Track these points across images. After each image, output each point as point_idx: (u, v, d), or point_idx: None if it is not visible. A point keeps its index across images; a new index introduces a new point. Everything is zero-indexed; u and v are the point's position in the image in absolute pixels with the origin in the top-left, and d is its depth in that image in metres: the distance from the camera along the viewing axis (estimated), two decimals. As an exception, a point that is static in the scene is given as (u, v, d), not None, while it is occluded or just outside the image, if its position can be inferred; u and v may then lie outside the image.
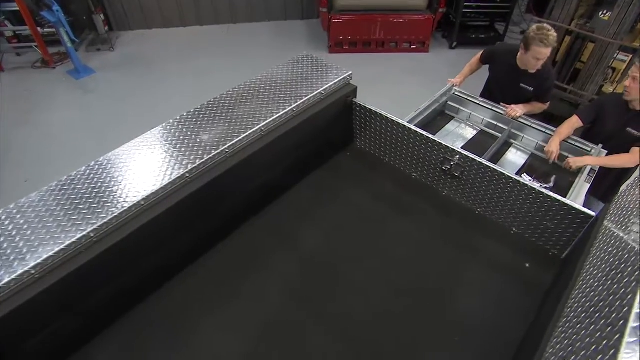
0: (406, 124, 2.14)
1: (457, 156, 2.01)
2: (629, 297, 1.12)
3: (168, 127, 1.87)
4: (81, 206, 1.53)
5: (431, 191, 2.23)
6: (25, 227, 1.45)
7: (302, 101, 2.02)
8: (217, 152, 1.77)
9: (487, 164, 1.93)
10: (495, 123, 3.01)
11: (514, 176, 1.88)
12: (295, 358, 1.59)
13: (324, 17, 5.72)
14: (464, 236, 2.03)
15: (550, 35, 2.62)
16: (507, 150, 2.94)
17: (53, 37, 5.72)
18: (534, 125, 2.89)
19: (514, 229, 2.05)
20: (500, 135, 2.92)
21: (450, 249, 1.98)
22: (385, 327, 1.68)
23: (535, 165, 2.78)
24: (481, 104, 3.07)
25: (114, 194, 1.58)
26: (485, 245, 2.00)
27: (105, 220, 1.48)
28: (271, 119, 1.92)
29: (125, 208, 1.54)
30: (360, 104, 2.28)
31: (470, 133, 3.08)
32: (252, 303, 1.75)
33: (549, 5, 4.06)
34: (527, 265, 1.91)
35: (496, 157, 2.86)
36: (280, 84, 2.14)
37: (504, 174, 1.90)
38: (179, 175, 1.67)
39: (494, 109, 3.02)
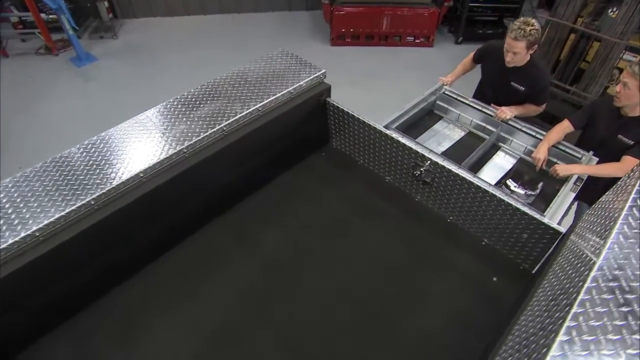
0: (377, 126, 2.07)
1: (428, 162, 1.93)
2: (572, 297, 1.08)
3: (127, 126, 1.83)
4: (30, 204, 1.51)
5: (404, 196, 2.16)
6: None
7: (268, 100, 1.97)
8: (174, 151, 1.74)
9: (457, 172, 1.85)
10: (484, 125, 2.90)
11: (483, 186, 1.79)
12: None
13: (326, 9, 5.61)
14: (432, 245, 1.96)
15: (526, 29, 2.49)
16: (494, 154, 2.83)
17: (57, 24, 5.74)
18: (523, 129, 2.78)
19: (485, 240, 1.96)
20: (488, 137, 2.81)
21: (416, 257, 1.91)
22: (334, 336, 1.64)
23: (523, 171, 2.67)
24: (471, 104, 2.95)
25: (65, 193, 1.55)
26: (453, 255, 1.92)
27: (52, 220, 1.46)
28: (234, 118, 1.87)
29: (74, 207, 1.52)
30: (334, 104, 2.21)
31: (458, 134, 2.98)
32: (208, 304, 1.73)
33: (555, 1, 3.89)
34: (495, 279, 1.83)
35: (483, 160, 2.76)
36: (250, 81, 2.08)
37: (473, 183, 1.81)
38: (131, 175, 1.64)
39: (484, 110, 2.90)
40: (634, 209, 1.26)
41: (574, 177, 2.45)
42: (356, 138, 2.24)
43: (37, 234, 1.44)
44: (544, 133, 2.72)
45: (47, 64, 5.71)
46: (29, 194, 1.54)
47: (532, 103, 2.95)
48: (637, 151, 2.40)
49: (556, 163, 2.67)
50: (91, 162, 1.68)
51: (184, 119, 1.87)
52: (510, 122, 2.82)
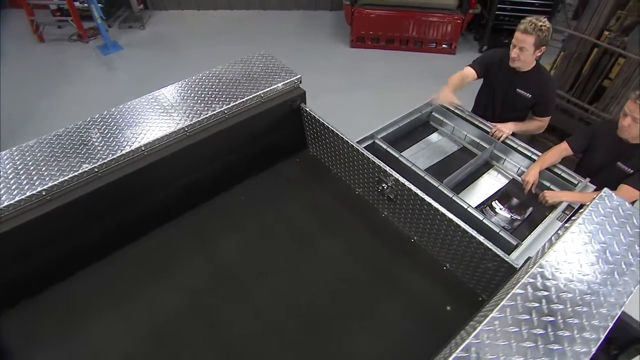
0: (344, 137, 2.00)
1: (392, 177, 1.85)
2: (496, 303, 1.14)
3: (91, 120, 1.87)
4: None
5: (371, 211, 2.09)
6: None
7: (235, 103, 1.95)
8: (131, 149, 1.75)
9: (416, 192, 1.76)
10: (478, 141, 2.76)
11: (441, 209, 1.70)
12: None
13: (347, 10, 5.53)
14: (391, 265, 1.88)
15: (537, 23, 2.36)
16: (485, 172, 2.69)
17: (89, 13, 5.99)
18: (519, 148, 2.62)
19: (447, 266, 1.86)
20: (479, 154, 2.67)
21: (372, 276, 1.84)
22: (270, 348, 1.60)
23: (512, 193, 2.52)
24: (468, 118, 2.82)
25: (14, 184, 1.60)
26: (410, 278, 1.84)
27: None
28: (197, 119, 1.87)
29: (25, 196, 1.56)
30: (307, 111, 2.16)
31: (451, 148, 2.85)
32: (152, 305, 1.74)
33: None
34: (448, 308, 1.73)
35: (471, 178, 2.63)
36: (224, 82, 2.07)
37: (432, 205, 1.72)
38: (87, 169, 1.67)
39: (480, 125, 2.77)
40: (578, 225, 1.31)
41: (564, 205, 2.29)
42: (329, 147, 2.18)
43: None
44: (539, 154, 2.57)
45: (77, 50, 5.97)
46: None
47: (536, 115, 2.79)
48: (636, 180, 2.21)
49: (549, 187, 2.51)
50: (45, 155, 1.72)
51: (148, 117, 1.89)
52: (506, 140, 2.67)
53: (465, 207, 2.19)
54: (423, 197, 1.73)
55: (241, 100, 1.96)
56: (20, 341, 1.59)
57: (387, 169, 1.84)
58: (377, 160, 1.88)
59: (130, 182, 1.76)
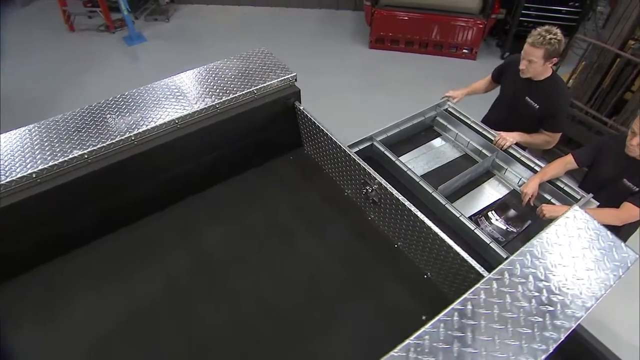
0: (333, 137, 1.99)
1: (376, 181, 1.83)
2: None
3: (88, 108, 1.93)
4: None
5: (357, 213, 2.07)
6: None
7: (227, 98, 1.97)
8: (122, 138, 1.80)
9: (398, 197, 1.73)
10: (481, 149, 2.69)
11: (420, 216, 1.66)
12: (140, 352, 1.59)
13: (367, 11, 5.48)
14: (371, 269, 1.86)
15: (545, 36, 2.28)
16: (485, 181, 2.62)
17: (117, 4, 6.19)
18: (522, 158, 2.54)
19: (428, 274, 1.83)
20: (476, 159, 2.60)
21: (350, 279, 1.82)
22: (237, 342, 1.61)
23: (511, 204, 2.44)
24: (472, 125, 2.75)
25: (8, 166, 1.67)
26: (388, 284, 1.81)
27: None
28: (188, 112, 1.90)
29: (15, 178, 1.63)
30: (301, 110, 2.16)
31: (453, 154, 2.79)
32: (131, 291, 1.78)
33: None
34: (424, 317, 1.69)
35: (471, 186, 2.57)
36: (219, 77, 2.10)
37: (411, 211, 1.69)
38: (77, 155, 1.73)
39: (484, 132, 2.70)
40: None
41: None
42: (321, 147, 2.18)
43: None
44: (543, 166, 2.48)
45: (104, 40, 6.16)
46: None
47: (544, 129, 2.69)
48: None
49: (549, 201, 2.42)
50: (33, 140, 1.78)
51: (142, 108, 1.93)
52: (509, 150, 2.59)
53: (457, 215, 2.14)
54: (404, 202, 1.70)
55: (233, 95, 1.98)
56: (2, 317, 1.66)
57: (372, 172, 1.82)
58: (362, 163, 1.86)
59: (118, 170, 1.80)
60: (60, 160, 1.70)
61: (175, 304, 1.74)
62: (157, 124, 1.85)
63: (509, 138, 2.59)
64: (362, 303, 1.74)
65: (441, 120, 2.89)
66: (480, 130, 2.72)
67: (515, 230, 2.31)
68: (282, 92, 2.10)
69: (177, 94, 2.00)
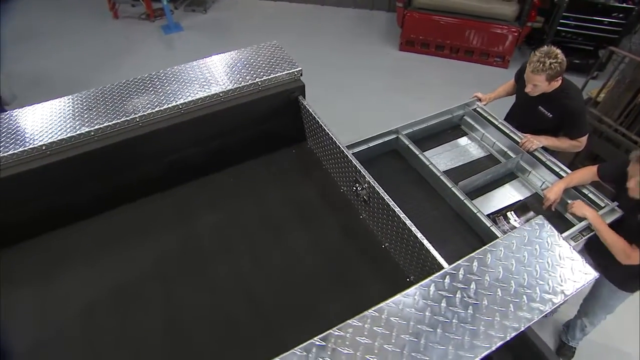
0: (329, 132, 2.01)
1: (365, 179, 1.84)
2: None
3: (102, 90, 2.03)
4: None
5: (350, 211, 2.07)
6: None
7: (231, 88, 2.02)
8: (127, 118, 1.89)
9: (384, 196, 1.73)
10: (506, 150, 2.67)
11: (402, 215, 1.65)
12: (122, 322, 1.67)
13: (399, 13, 5.44)
14: (354, 267, 1.87)
15: (545, 62, 2.24)
16: (508, 182, 2.61)
17: (158, -6, 6.44)
18: (547, 162, 2.50)
19: (412, 278, 1.81)
20: (501, 160, 2.60)
21: (333, 277, 1.83)
22: (213, 325, 1.66)
23: (531, 207, 2.40)
24: (499, 126, 2.74)
25: (21, 137, 1.79)
26: (370, 286, 1.80)
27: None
28: (191, 99, 1.97)
29: (26, 148, 1.75)
30: (304, 105, 2.19)
31: (478, 154, 2.78)
32: (122, 265, 1.86)
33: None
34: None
35: (492, 186, 2.57)
36: (227, 66, 2.16)
37: (394, 211, 1.68)
38: (84, 132, 1.84)
39: (510, 134, 2.68)
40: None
41: (583, 224, 2.17)
42: (321, 142, 2.20)
43: None
44: (569, 171, 2.45)
45: (143, 28, 6.43)
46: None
47: (566, 136, 2.63)
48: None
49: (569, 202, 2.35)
50: (53, 114, 1.90)
51: (150, 92, 2.02)
52: (534, 153, 2.56)
53: (475, 211, 2.14)
54: (389, 202, 1.70)
55: (238, 85, 2.04)
56: (2, 278, 1.79)
57: (364, 171, 1.82)
58: (354, 160, 1.87)
59: (122, 150, 1.90)
60: (69, 135, 1.81)
61: (160, 282, 1.81)
62: (162, 108, 1.93)
63: (536, 141, 2.56)
64: (341, 298, 1.75)
65: (469, 120, 2.88)
66: (507, 132, 2.70)
67: None
68: (287, 86, 2.14)
69: (185, 80, 2.07)
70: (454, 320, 1.13)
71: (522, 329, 1.06)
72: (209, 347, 1.60)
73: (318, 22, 6.56)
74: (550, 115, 2.56)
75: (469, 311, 1.13)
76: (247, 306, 1.72)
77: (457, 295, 1.18)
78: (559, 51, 2.30)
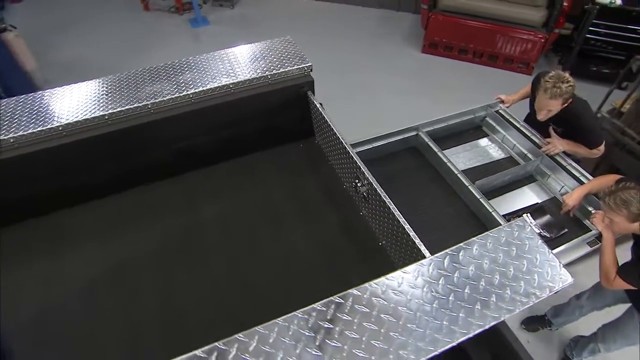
0: (334, 128, 2.03)
1: (364, 176, 1.86)
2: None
3: (119, 77, 2.12)
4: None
5: (351, 208, 2.09)
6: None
7: (241, 80, 2.08)
8: (139, 105, 1.97)
9: (381, 193, 1.74)
10: (526, 152, 2.66)
11: (397, 214, 1.66)
12: (120, 298, 1.75)
13: (424, 14, 5.40)
14: (348, 262, 1.89)
15: (561, 87, 2.25)
16: (526, 184, 2.61)
17: (187, -12, 6.60)
18: (568, 167, 2.49)
19: (405, 275, 1.82)
20: (521, 162, 2.61)
21: (323, 268, 1.86)
22: (206, 308, 1.72)
23: (548, 210, 2.40)
24: (521, 128, 2.74)
25: (42, 117, 1.90)
26: (361, 279, 1.81)
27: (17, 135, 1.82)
28: (202, 89, 2.03)
29: (44, 128, 1.86)
30: (312, 100, 2.22)
31: (498, 155, 2.79)
32: (126, 246, 1.94)
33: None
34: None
35: (511, 187, 2.58)
36: (239, 59, 2.22)
37: (390, 208, 1.69)
38: (98, 115, 1.92)
39: (532, 137, 2.67)
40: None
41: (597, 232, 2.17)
42: (327, 138, 2.23)
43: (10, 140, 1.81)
44: (590, 177, 2.44)
45: (172, 21, 6.61)
46: None
47: (582, 144, 2.61)
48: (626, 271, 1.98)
49: (590, 213, 2.31)
50: (72, 99, 2.00)
51: (164, 80, 2.09)
52: (556, 157, 2.57)
53: (490, 210, 2.16)
54: (384, 199, 1.71)
55: (248, 77, 2.09)
56: (8, 254, 1.89)
57: (363, 167, 1.84)
58: (355, 156, 1.89)
59: (134, 135, 1.98)
60: (84, 118, 1.90)
61: (160, 264, 1.87)
62: (173, 96, 2.00)
63: (559, 145, 2.57)
64: (331, 290, 1.77)
65: (490, 121, 2.89)
66: (529, 134, 2.68)
67: (548, 236, 2.25)
68: (296, 81, 2.17)
69: (198, 71, 2.14)
70: (417, 313, 1.14)
71: (487, 326, 1.07)
72: (202, 324, 1.66)
73: (343, 21, 6.58)
74: (561, 130, 2.57)
75: (434, 305, 1.15)
76: (239, 292, 1.77)
77: (424, 289, 1.20)
78: (567, 75, 2.34)
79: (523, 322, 3.02)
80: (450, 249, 1.29)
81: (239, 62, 2.19)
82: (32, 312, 1.71)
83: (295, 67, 2.16)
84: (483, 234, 1.30)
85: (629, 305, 2.30)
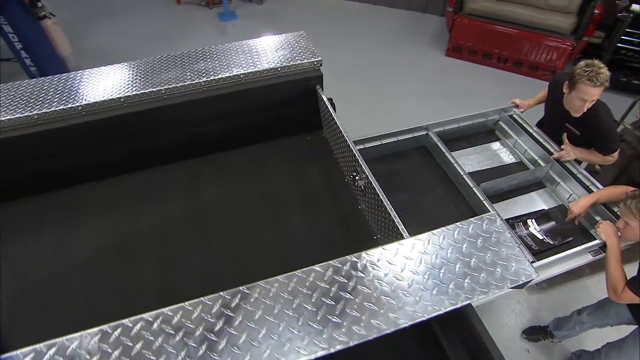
0: (336, 120, 2.08)
1: (362, 169, 1.89)
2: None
3: (138, 63, 2.23)
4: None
5: (350, 201, 2.13)
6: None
7: (251, 71, 2.15)
8: (153, 89, 2.07)
9: (376, 187, 1.77)
10: (536, 158, 2.64)
11: (392, 212, 1.69)
12: (122, 274, 1.85)
13: (449, 17, 5.35)
14: (342, 253, 1.91)
15: (602, 73, 2.17)
16: (534, 191, 2.59)
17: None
18: (578, 175, 2.46)
19: (397, 270, 1.85)
20: (531, 168, 2.59)
21: (317, 257, 1.89)
22: (201, 290, 1.78)
23: (554, 217, 2.38)
24: (534, 134, 2.73)
25: (65, 96, 2.02)
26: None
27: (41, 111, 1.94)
28: (213, 77, 2.12)
29: (66, 107, 1.98)
30: (321, 95, 2.27)
31: (508, 159, 2.78)
32: (129, 224, 2.04)
33: None
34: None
35: (518, 192, 2.58)
36: (252, 51, 2.28)
37: (385, 206, 1.72)
38: (114, 97, 2.03)
39: (544, 143, 2.64)
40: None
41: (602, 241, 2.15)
42: (333, 132, 2.27)
43: (36, 118, 1.94)
44: (600, 186, 2.41)
45: (201, 14, 6.79)
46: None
47: (597, 151, 2.58)
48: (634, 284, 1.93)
49: (597, 222, 2.28)
50: (91, 83, 2.12)
51: (180, 68, 2.19)
52: (566, 165, 2.54)
53: (492, 213, 2.15)
54: (378, 193, 1.74)
55: (257, 69, 2.16)
56: (23, 223, 2.02)
57: (362, 162, 1.88)
58: (354, 150, 1.92)
59: (146, 118, 2.08)
60: (100, 99, 2.01)
61: (163, 239, 1.97)
62: (185, 83, 2.09)
63: (572, 153, 2.54)
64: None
65: (503, 125, 2.88)
66: (542, 140, 2.66)
67: (552, 242, 2.23)
68: (305, 74, 2.23)
69: (212, 60, 2.22)
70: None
71: (442, 312, 1.10)
72: (195, 295, 1.73)
73: (369, 20, 6.60)
74: (579, 133, 2.50)
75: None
76: (233, 276, 1.83)
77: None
78: (599, 62, 2.27)
79: (524, 332, 2.98)
80: (421, 234, 1.33)
81: (252, 54, 2.26)
82: (39, 277, 1.83)
83: (306, 61, 2.21)
84: (452, 225, 1.32)
85: (635, 327, 2.25)
